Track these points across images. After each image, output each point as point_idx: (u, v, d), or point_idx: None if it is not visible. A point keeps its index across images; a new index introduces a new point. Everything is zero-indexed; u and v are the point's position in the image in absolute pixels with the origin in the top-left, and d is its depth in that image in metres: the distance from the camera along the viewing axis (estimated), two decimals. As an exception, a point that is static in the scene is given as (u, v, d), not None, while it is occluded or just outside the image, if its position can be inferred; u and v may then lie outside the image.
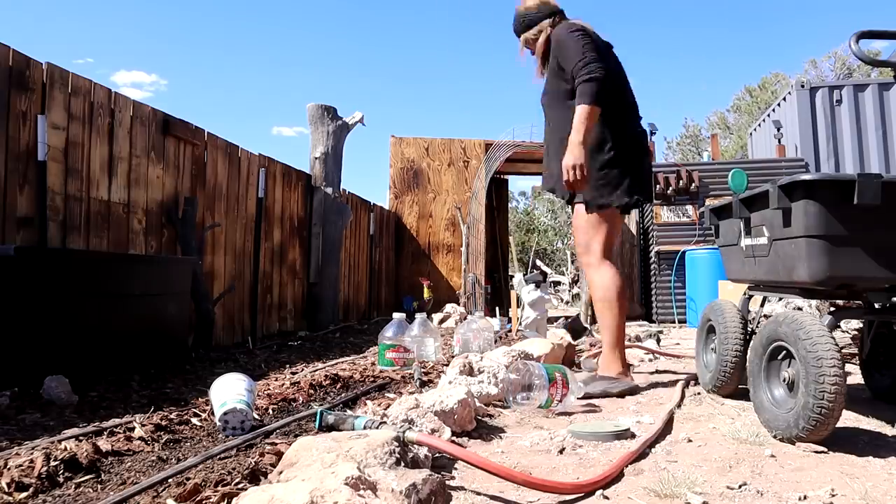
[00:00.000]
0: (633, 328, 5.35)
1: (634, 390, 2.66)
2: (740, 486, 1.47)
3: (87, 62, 56.89)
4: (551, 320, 5.11)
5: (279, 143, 55.57)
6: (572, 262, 14.66)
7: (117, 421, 2.04)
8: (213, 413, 2.04)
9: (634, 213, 9.04)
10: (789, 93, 7.82)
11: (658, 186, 7.05)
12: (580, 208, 2.78)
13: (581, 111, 2.59)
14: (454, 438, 1.86)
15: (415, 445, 1.52)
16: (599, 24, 2.83)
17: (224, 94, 67.22)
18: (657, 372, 3.27)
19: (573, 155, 2.59)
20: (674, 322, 6.73)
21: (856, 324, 3.67)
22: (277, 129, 55.57)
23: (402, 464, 1.41)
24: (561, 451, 1.80)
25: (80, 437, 1.82)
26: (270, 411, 2.25)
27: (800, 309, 3.53)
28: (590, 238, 2.76)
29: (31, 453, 1.60)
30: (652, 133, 8.03)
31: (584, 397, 2.46)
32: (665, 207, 7.10)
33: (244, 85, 66.68)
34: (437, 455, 1.63)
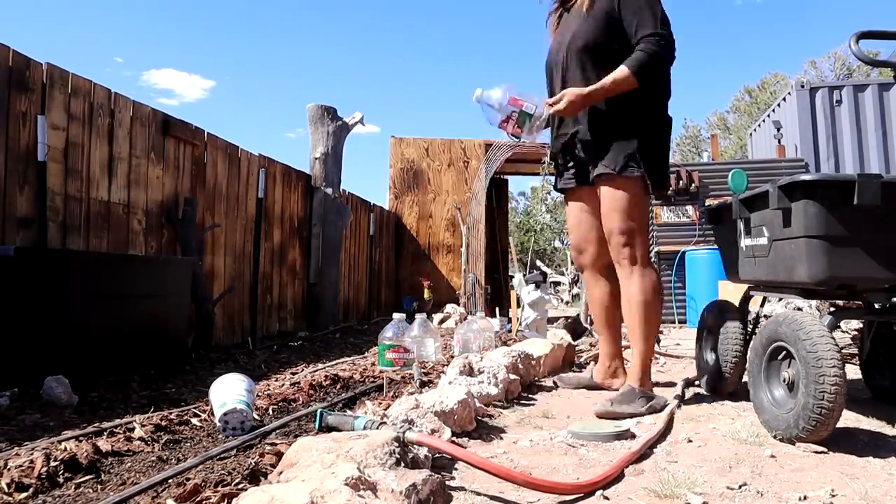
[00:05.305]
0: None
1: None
2: (740, 487, 1.47)
3: (116, 62, 56.93)
4: (551, 321, 5.10)
5: (291, 144, 55.75)
6: (572, 262, 14.67)
7: (117, 421, 2.05)
8: (212, 413, 2.04)
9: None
10: (789, 93, 7.82)
11: (658, 186, 7.03)
12: (608, 188, 2.42)
13: (623, 74, 2.30)
14: (454, 439, 1.85)
15: (415, 446, 1.52)
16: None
17: (234, 97, 67.30)
18: (657, 372, 3.27)
19: (581, 96, 2.33)
20: (674, 322, 6.72)
21: (856, 324, 3.67)
22: (295, 132, 55.82)
23: (402, 464, 1.41)
24: (561, 452, 1.80)
25: (80, 438, 1.82)
26: (270, 412, 2.25)
27: (800, 309, 3.53)
28: (630, 224, 2.49)
29: (31, 454, 1.60)
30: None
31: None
32: (665, 208, 7.09)
33: (253, 87, 66.83)
34: (437, 455, 1.62)
